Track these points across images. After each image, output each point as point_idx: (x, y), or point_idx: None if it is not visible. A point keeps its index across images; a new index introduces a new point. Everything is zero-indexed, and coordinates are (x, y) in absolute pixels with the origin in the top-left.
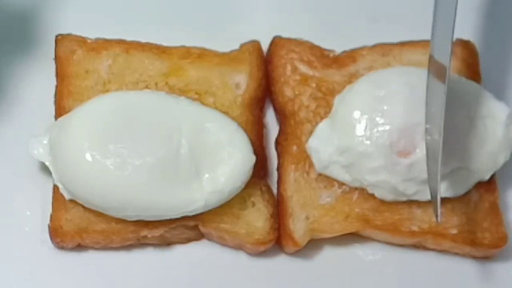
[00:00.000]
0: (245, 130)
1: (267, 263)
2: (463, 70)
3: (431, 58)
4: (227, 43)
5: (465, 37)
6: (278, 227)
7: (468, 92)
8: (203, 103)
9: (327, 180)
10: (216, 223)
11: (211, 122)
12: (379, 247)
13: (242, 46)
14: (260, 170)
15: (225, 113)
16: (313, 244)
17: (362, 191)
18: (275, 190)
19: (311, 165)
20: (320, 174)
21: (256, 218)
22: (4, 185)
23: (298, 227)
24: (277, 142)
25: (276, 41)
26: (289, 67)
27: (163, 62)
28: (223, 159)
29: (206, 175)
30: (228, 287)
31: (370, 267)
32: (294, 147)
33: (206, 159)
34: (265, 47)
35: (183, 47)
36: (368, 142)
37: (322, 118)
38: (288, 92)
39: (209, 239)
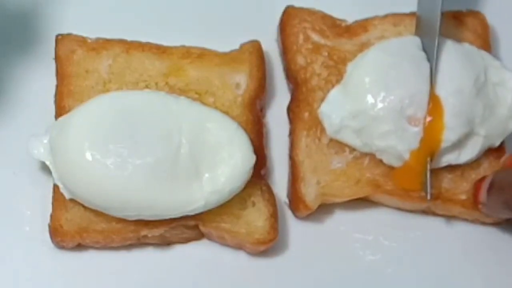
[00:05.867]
0: (245, 130)
1: (267, 263)
2: (473, 41)
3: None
4: (227, 43)
5: (475, 8)
6: (290, 192)
7: (479, 61)
8: (203, 103)
9: (338, 145)
10: (216, 223)
11: (211, 122)
12: (379, 247)
13: (242, 46)
14: (260, 170)
15: (225, 113)
16: (313, 239)
17: (372, 156)
18: (275, 190)
19: (322, 131)
20: (331, 140)
21: (256, 218)
22: (4, 185)
23: (309, 191)
24: (289, 109)
25: (289, 11)
26: (301, 36)
27: (163, 62)
28: (223, 159)
29: (206, 175)
30: (228, 287)
31: (370, 267)
32: (306, 114)
33: (206, 159)
34: (266, 46)
35: (183, 47)
36: (379, 105)
37: (333, 86)
38: (300, 60)
39: (209, 239)
